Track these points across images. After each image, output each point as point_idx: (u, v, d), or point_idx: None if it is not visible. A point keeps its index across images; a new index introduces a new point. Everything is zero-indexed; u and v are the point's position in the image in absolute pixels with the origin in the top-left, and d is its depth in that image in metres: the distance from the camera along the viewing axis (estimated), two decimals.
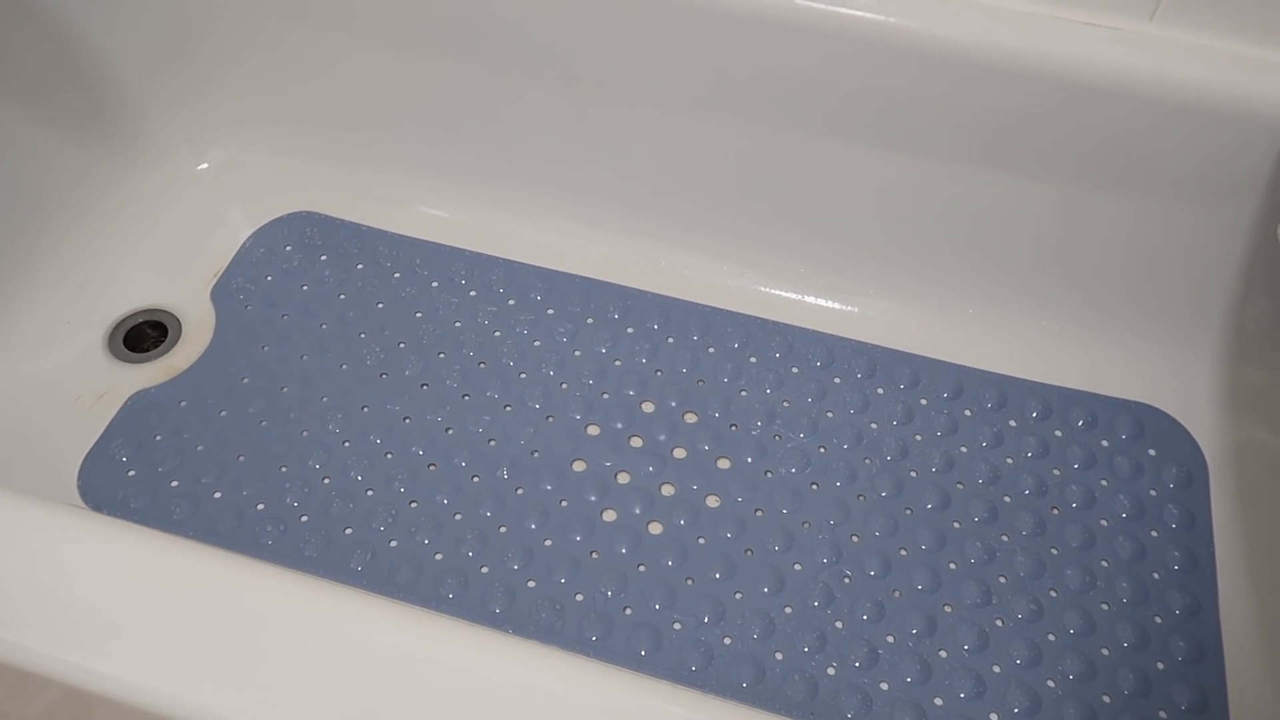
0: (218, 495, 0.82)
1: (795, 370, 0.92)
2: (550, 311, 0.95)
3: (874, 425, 0.88)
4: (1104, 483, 0.85)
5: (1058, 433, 0.88)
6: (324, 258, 0.99)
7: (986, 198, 0.88)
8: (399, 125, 1.00)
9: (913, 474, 0.85)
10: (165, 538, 0.54)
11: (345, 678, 0.49)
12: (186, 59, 0.98)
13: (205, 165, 1.03)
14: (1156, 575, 0.79)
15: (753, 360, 0.92)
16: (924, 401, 0.90)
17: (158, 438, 0.86)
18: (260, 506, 0.82)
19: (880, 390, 0.90)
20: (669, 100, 0.89)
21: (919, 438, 0.87)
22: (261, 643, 0.50)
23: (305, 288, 0.97)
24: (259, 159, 1.03)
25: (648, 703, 0.48)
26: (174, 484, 0.83)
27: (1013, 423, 0.88)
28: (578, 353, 0.93)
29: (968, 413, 0.89)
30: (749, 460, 0.86)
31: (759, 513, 0.83)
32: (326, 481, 0.84)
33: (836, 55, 0.81)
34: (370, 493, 0.83)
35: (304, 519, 0.81)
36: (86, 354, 0.91)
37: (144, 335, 0.94)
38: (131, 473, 0.83)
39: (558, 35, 0.87)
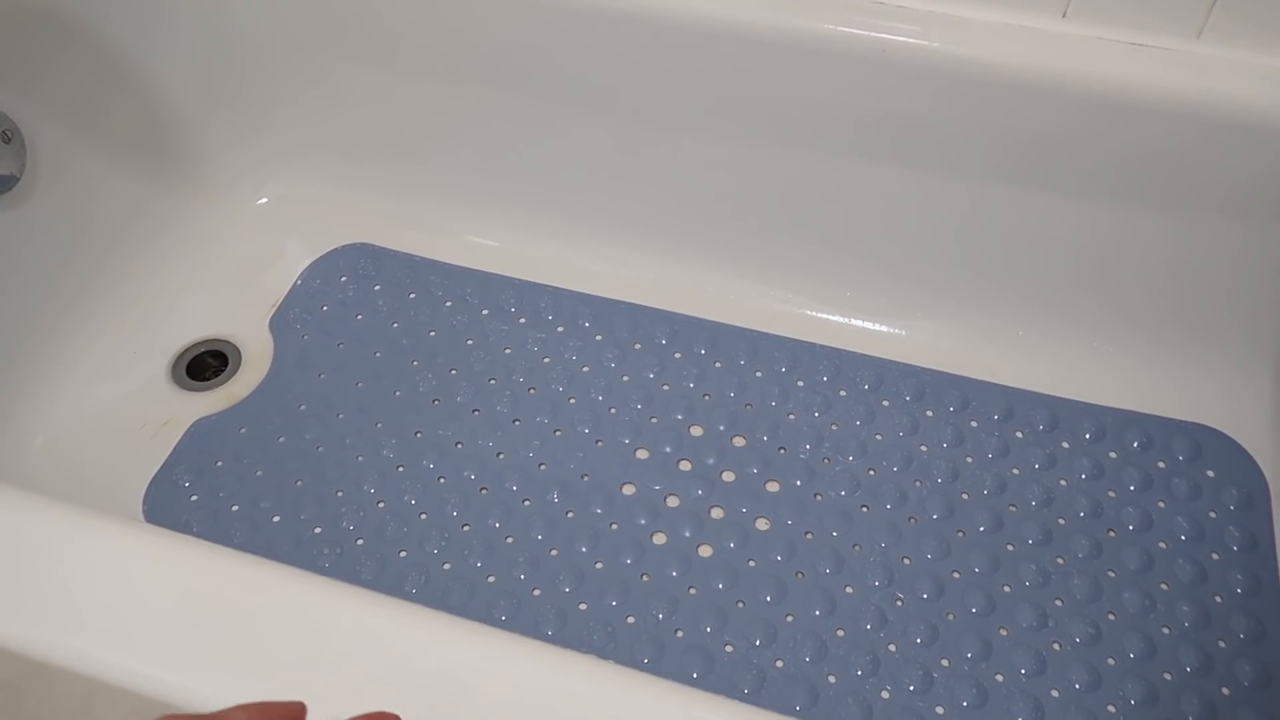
0: (276, 519, 0.84)
1: (843, 393, 0.92)
2: (598, 338, 0.97)
3: (924, 448, 0.88)
4: (1161, 504, 0.83)
5: (1112, 454, 0.87)
6: (378, 288, 1.02)
7: (1031, 219, 0.88)
8: (448, 157, 1.02)
9: (964, 496, 0.84)
10: (230, 552, 0.55)
11: (412, 691, 0.50)
12: (242, 96, 1.02)
13: (264, 200, 1.07)
14: (1218, 599, 0.78)
15: (800, 384, 0.93)
16: (974, 424, 0.89)
17: (219, 463, 0.88)
18: (318, 530, 0.84)
19: (929, 413, 0.90)
20: (711, 128, 0.90)
21: (970, 460, 0.87)
22: (326, 655, 0.51)
23: (360, 317, 0.99)
24: (315, 192, 1.07)
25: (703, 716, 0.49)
26: (234, 508, 0.85)
27: (1065, 444, 0.87)
28: (626, 378, 0.94)
29: (1019, 435, 0.88)
30: (798, 483, 0.86)
31: (809, 535, 0.83)
32: (381, 505, 0.85)
33: (876, 79, 0.81)
34: (424, 516, 0.85)
35: (360, 542, 0.83)
36: (151, 383, 0.94)
37: (205, 364, 0.97)
38: (194, 497, 0.86)
39: (599, 66, 0.89)
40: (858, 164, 0.88)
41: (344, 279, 1.02)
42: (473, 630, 0.53)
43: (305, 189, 1.07)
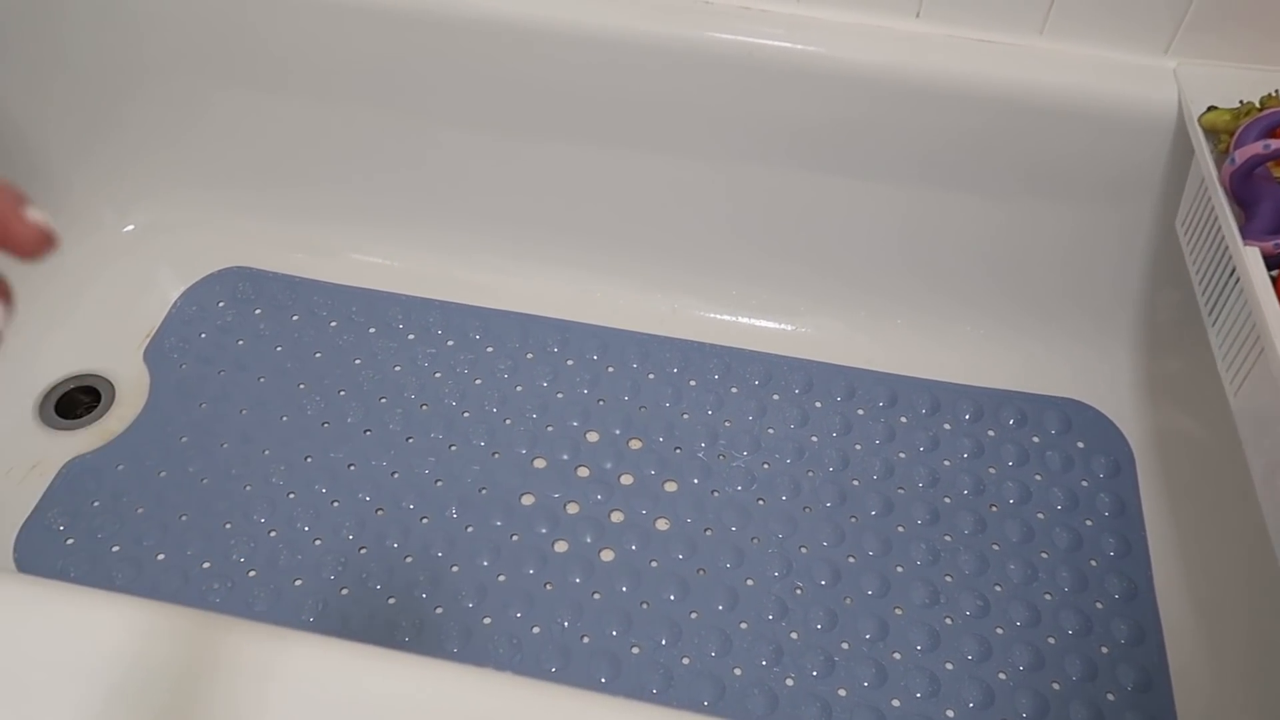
0: (161, 557, 0.81)
1: (735, 390, 0.93)
2: (489, 349, 0.96)
3: (814, 438, 0.90)
4: (1038, 477, 0.87)
5: (990, 432, 0.91)
6: (258, 311, 0.99)
7: (918, 212, 0.91)
8: (327, 177, 1.00)
9: (855, 483, 0.87)
10: (109, 596, 0.53)
11: None
12: (111, 125, 0.98)
13: (130, 227, 1.03)
14: (1094, 563, 0.82)
15: (692, 383, 0.94)
16: (861, 412, 0.92)
17: (95, 504, 0.84)
18: (206, 565, 0.81)
19: (818, 404, 0.92)
20: (593, 135, 0.91)
21: (859, 447, 0.89)
22: (217, 695, 0.49)
23: (240, 342, 0.96)
24: (187, 218, 1.03)
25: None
26: (115, 549, 0.81)
27: (947, 426, 0.91)
28: (519, 388, 0.93)
29: (903, 420, 0.91)
30: (695, 481, 0.87)
31: (708, 532, 0.84)
32: (273, 535, 0.83)
33: (744, 81, 0.83)
34: (318, 542, 0.82)
35: (251, 574, 0.80)
36: (17, 424, 0.89)
37: (77, 402, 0.92)
38: (70, 540, 0.82)
39: (474, 79, 0.89)
40: (736, 165, 0.90)
41: (221, 304, 0.99)
42: (375, 656, 0.52)
43: (177, 215, 1.03)
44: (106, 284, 1.00)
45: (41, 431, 0.89)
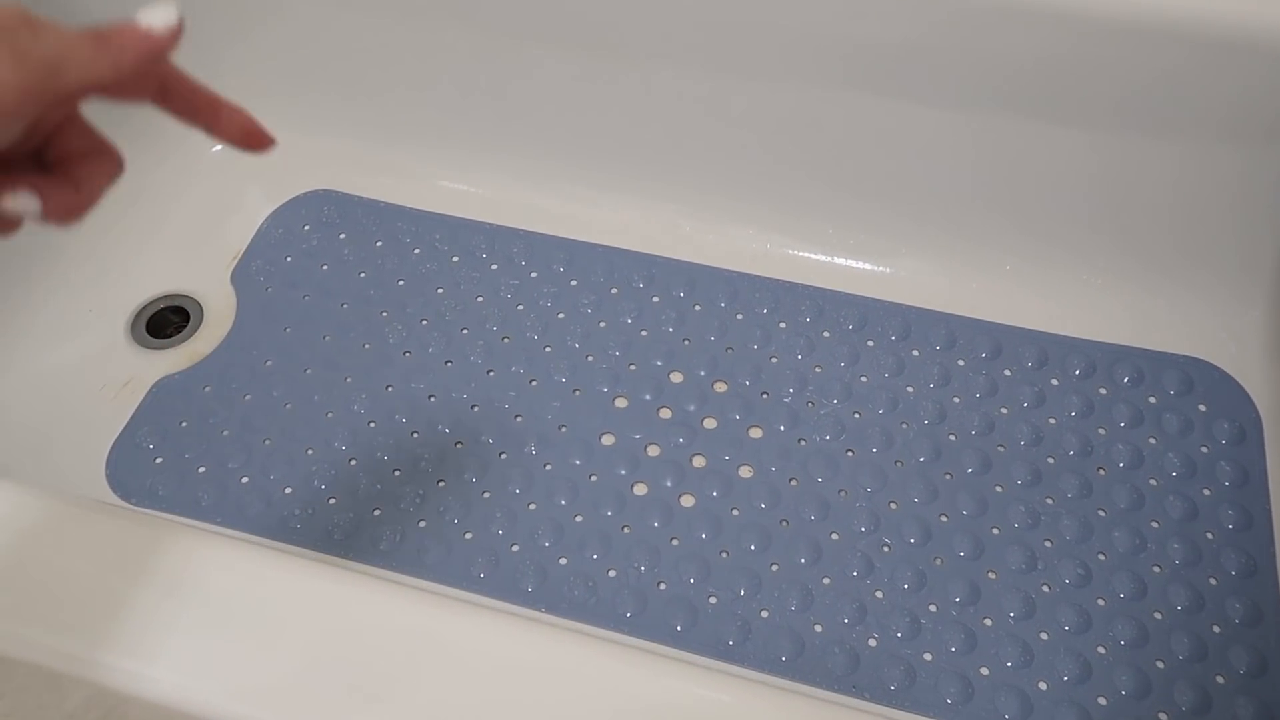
0: (245, 480, 0.82)
1: (827, 335, 0.89)
2: (573, 283, 0.93)
3: (910, 389, 0.85)
4: (1152, 441, 0.81)
5: (1102, 390, 0.84)
6: (342, 236, 0.98)
7: (1016, 147, 0.84)
8: (413, 98, 0.98)
9: (951, 437, 0.82)
10: (195, 533, 0.53)
11: (373, 663, 0.48)
12: (194, 37, 0.96)
13: (218, 147, 1.02)
14: (1210, 535, 0.76)
15: (782, 326, 0.90)
16: (961, 362, 0.87)
17: (183, 424, 0.85)
18: (288, 490, 0.81)
19: (915, 352, 0.87)
20: (685, 61, 0.86)
21: (957, 400, 0.84)
22: (282, 638, 0.49)
23: (325, 267, 0.95)
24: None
25: (680, 687, 0.47)
26: (201, 470, 0.82)
27: (1055, 381, 0.85)
28: (603, 324, 0.91)
29: (1007, 373, 0.86)
30: (781, 429, 0.84)
31: (793, 482, 0.81)
32: (353, 463, 0.83)
33: (853, 5, 0.77)
34: (397, 473, 0.82)
35: (331, 501, 0.81)
36: (109, 343, 0.90)
37: (166, 321, 0.93)
38: (159, 460, 0.83)
39: None
40: (834, 96, 0.84)
41: (307, 228, 0.98)
42: (442, 602, 0.51)
43: None
44: (194, 204, 1.00)
45: (133, 350, 0.90)
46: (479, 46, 0.91)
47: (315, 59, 0.97)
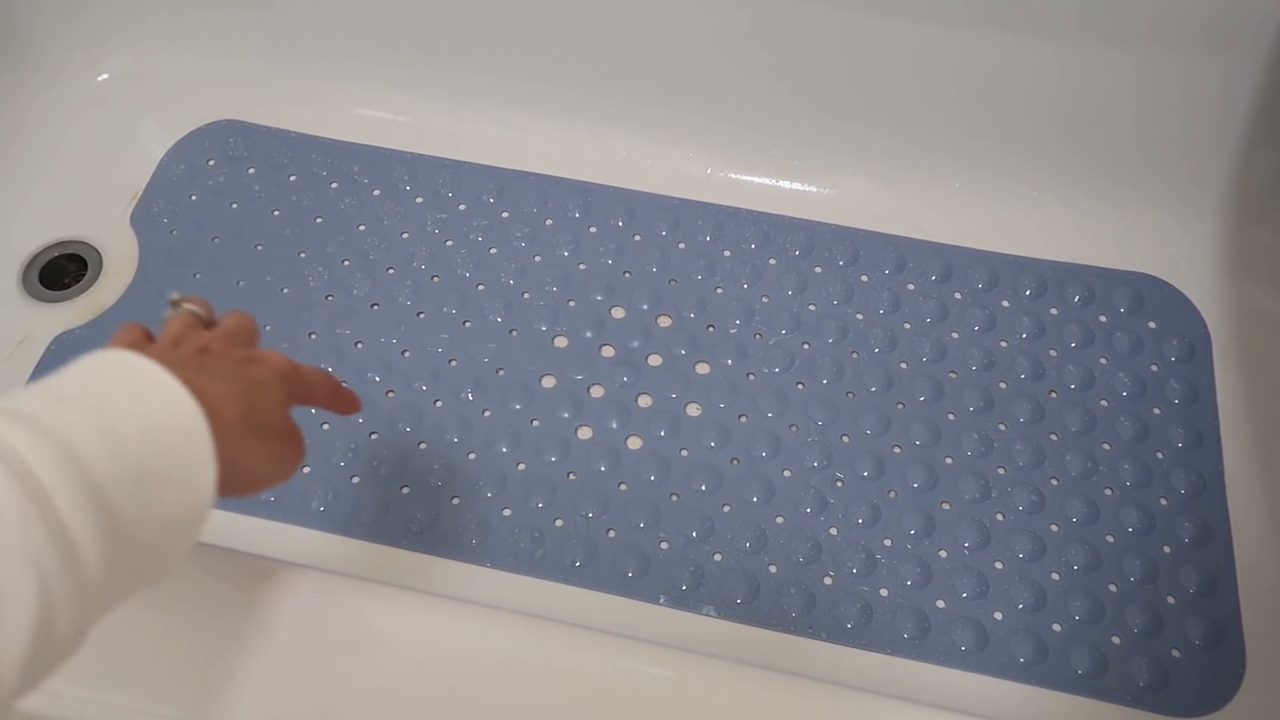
0: None
1: (773, 262, 0.85)
2: (505, 215, 0.88)
3: (859, 316, 0.83)
4: (1103, 360, 0.80)
5: (1053, 310, 0.83)
6: (252, 170, 0.90)
7: (970, 58, 0.80)
8: (323, 15, 0.90)
9: (903, 365, 0.80)
10: None
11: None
12: None
13: (104, 76, 0.93)
14: (1160, 455, 0.76)
15: (727, 254, 0.86)
16: (911, 286, 0.84)
17: None
18: None
19: (864, 278, 0.84)
20: None
21: (908, 326, 0.82)
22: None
23: (234, 205, 0.88)
24: (166, 64, 0.93)
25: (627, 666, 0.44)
26: None
27: (1005, 303, 0.83)
28: (538, 258, 0.86)
29: (958, 295, 0.84)
30: (729, 363, 0.80)
31: (743, 419, 0.78)
32: None
33: None
34: (326, 427, 0.77)
35: None
36: (1, 297, 0.83)
37: (62, 270, 0.86)
38: None
39: None
40: (775, 5, 0.79)
41: (212, 162, 0.91)
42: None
43: (155, 61, 0.93)
44: (83, 140, 0.91)
45: (26, 303, 0.83)
46: None
47: None
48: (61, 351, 0.80)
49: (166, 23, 0.92)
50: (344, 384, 0.50)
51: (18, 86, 0.89)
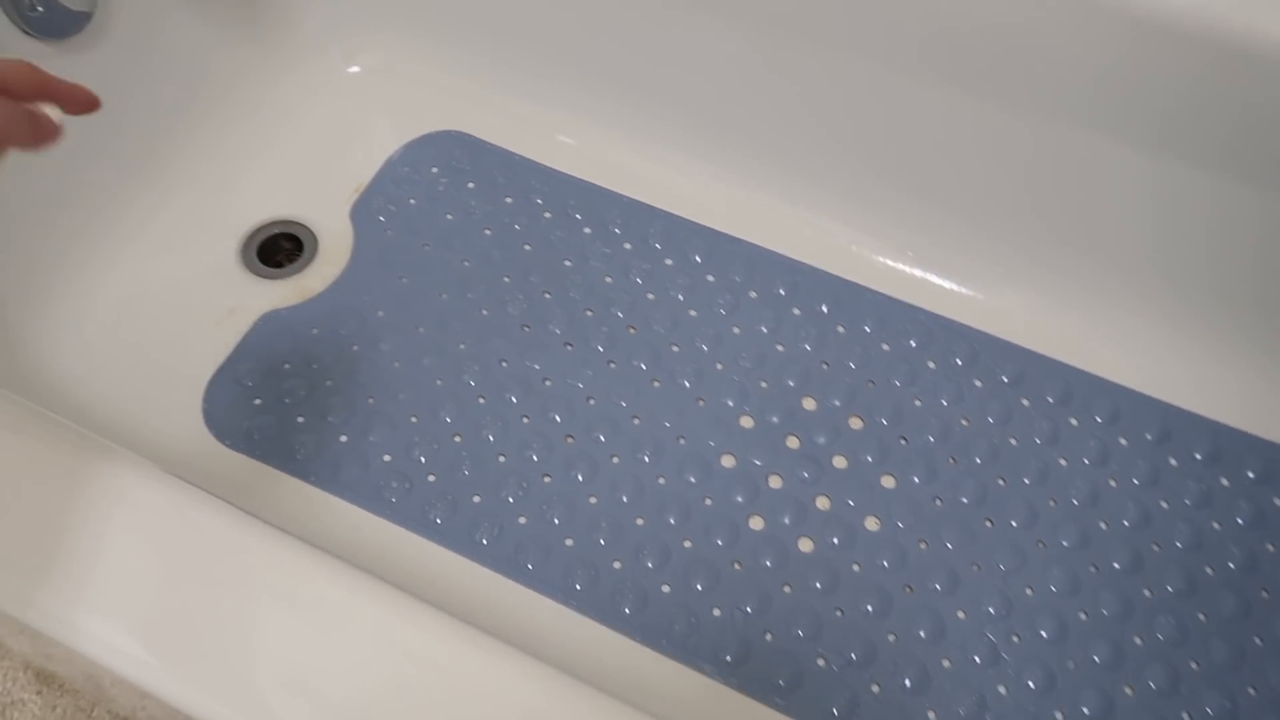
0: (343, 439, 0.77)
1: (979, 384, 0.81)
2: (710, 278, 0.86)
3: (1063, 461, 0.78)
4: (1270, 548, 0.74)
5: (1278, 501, 0.77)
6: (471, 185, 0.91)
7: (1162, 184, 0.75)
8: (570, 47, 0.90)
9: (1102, 525, 0.75)
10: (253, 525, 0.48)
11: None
12: None
13: (356, 69, 0.95)
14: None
15: (931, 365, 0.82)
16: (1124, 441, 0.79)
17: (286, 365, 0.80)
18: (387, 458, 0.77)
19: (1074, 421, 0.80)
20: (878, 51, 0.77)
21: (1114, 483, 0.77)
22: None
23: (450, 217, 0.89)
24: (413, 69, 0.95)
25: None
26: (299, 419, 0.78)
27: (1225, 481, 0.77)
28: (736, 329, 0.84)
29: (1173, 462, 0.78)
30: (916, 480, 0.77)
31: (923, 545, 0.74)
32: (458, 440, 0.78)
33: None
34: (502, 459, 0.77)
35: (431, 478, 0.76)
36: (219, 263, 0.86)
37: (278, 247, 0.88)
38: (258, 400, 0.79)
39: None
40: (1044, 123, 0.75)
41: (435, 170, 0.92)
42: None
43: (403, 62, 0.95)
44: (322, 125, 0.93)
45: (242, 275, 0.85)
46: (649, 7, 0.82)
47: None
48: (267, 329, 0.82)
49: (421, 29, 0.94)
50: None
51: (273, 58, 0.92)
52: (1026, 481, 0.77)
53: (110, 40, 0.79)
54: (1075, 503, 0.76)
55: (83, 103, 0.46)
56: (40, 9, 0.72)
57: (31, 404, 0.50)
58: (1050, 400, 0.81)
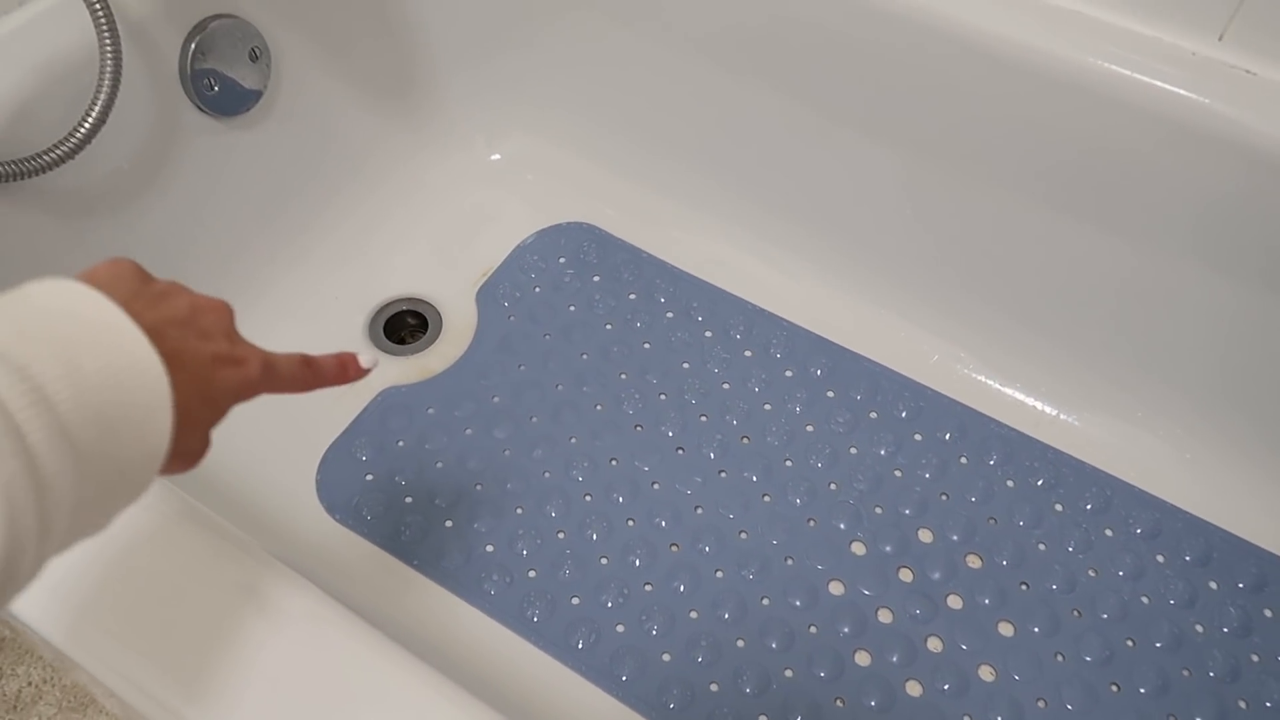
0: (449, 524, 0.77)
1: (1109, 534, 0.77)
2: (830, 394, 0.85)
3: (1199, 628, 0.73)
4: None
5: None
6: (597, 279, 0.92)
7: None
8: (705, 152, 0.91)
9: (1241, 704, 0.69)
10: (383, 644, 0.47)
11: None
12: (501, 46, 0.92)
13: (497, 157, 0.98)
14: None
15: (1059, 508, 0.78)
16: (1268, 613, 0.73)
17: (400, 443, 0.81)
18: (489, 548, 0.76)
19: (1213, 585, 0.75)
20: (1010, 180, 0.75)
21: (1255, 658, 0.71)
22: None
23: (572, 308, 0.90)
24: (550, 159, 0.97)
25: None
26: (408, 500, 0.78)
27: None
28: (853, 449, 0.82)
29: (1268, 613, 0.72)
30: (1036, 631, 0.73)
31: (1041, 703, 0.70)
32: (561, 536, 0.77)
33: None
34: (604, 561, 0.76)
35: (531, 574, 0.75)
36: (347, 334, 0.88)
37: (404, 324, 0.90)
38: (369, 476, 0.79)
39: (906, 86, 0.75)
40: (1169, 262, 0.72)
41: (563, 260, 0.93)
42: None
43: (542, 152, 0.98)
44: (458, 209, 0.96)
45: (366, 348, 0.87)
46: (793, 118, 0.83)
47: (615, 92, 0.91)
48: (386, 405, 0.83)
49: (563, 126, 0.96)
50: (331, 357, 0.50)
51: (422, 144, 0.95)
52: (1158, 646, 0.72)
53: (273, 120, 0.83)
54: (1212, 675, 0.71)
55: (351, 378, 0.52)
56: (216, 88, 0.76)
57: (194, 500, 0.51)
58: (1188, 558, 0.76)
